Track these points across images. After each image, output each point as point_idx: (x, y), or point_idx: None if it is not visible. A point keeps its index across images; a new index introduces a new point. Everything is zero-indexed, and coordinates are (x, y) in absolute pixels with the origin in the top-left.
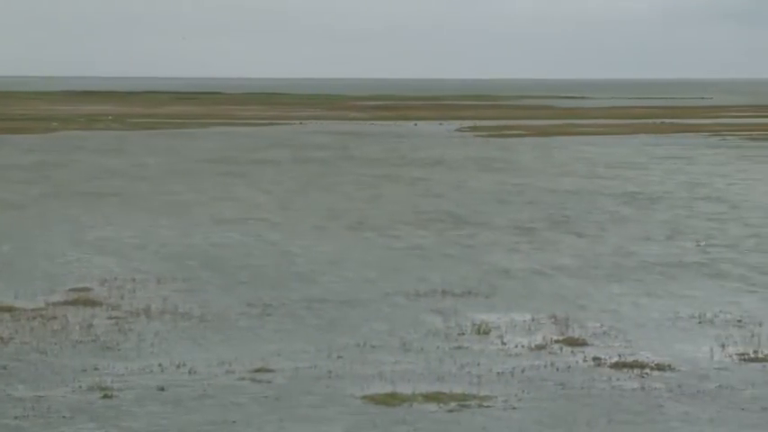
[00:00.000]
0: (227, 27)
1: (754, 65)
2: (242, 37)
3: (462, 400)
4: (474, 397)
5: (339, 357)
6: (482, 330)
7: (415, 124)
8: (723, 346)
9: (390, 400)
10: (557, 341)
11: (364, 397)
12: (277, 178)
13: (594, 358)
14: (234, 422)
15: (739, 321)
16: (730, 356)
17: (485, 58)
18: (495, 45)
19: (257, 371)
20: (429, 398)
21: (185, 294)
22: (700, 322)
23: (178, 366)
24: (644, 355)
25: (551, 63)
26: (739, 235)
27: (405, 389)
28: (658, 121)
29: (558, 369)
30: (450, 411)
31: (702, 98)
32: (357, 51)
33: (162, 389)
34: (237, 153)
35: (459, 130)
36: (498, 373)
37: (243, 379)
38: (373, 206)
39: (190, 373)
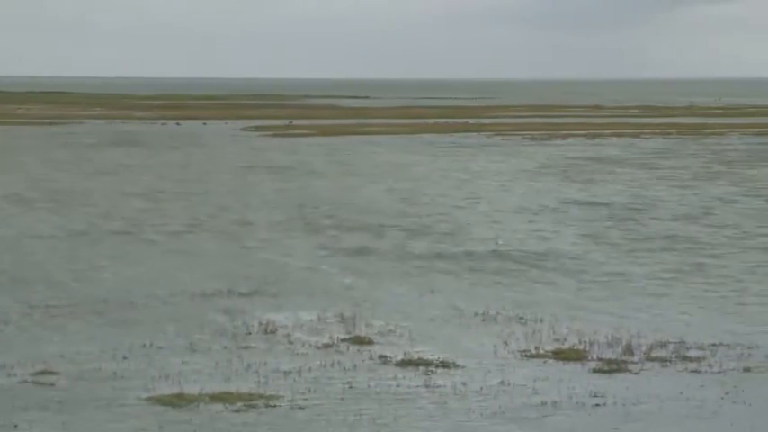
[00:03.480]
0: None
1: (541, 66)
2: (18, 34)
3: (249, 399)
4: (261, 396)
5: (124, 358)
6: (269, 330)
7: (205, 123)
8: (506, 342)
9: (177, 400)
10: (343, 340)
11: (150, 398)
12: (52, 176)
13: (380, 356)
14: (16, 426)
15: (521, 318)
16: (512, 353)
17: (267, 57)
18: (280, 44)
19: (40, 373)
20: (216, 398)
21: None
22: (483, 320)
23: None
24: (429, 353)
25: (334, 63)
26: (499, 230)
27: (191, 389)
28: (442, 120)
29: (344, 368)
30: (237, 411)
31: (487, 98)
32: (140, 51)
33: None
34: (14, 150)
35: (244, 129)
36: (285, 372)
37: (25, 382)
38: (149, 203)
39: None
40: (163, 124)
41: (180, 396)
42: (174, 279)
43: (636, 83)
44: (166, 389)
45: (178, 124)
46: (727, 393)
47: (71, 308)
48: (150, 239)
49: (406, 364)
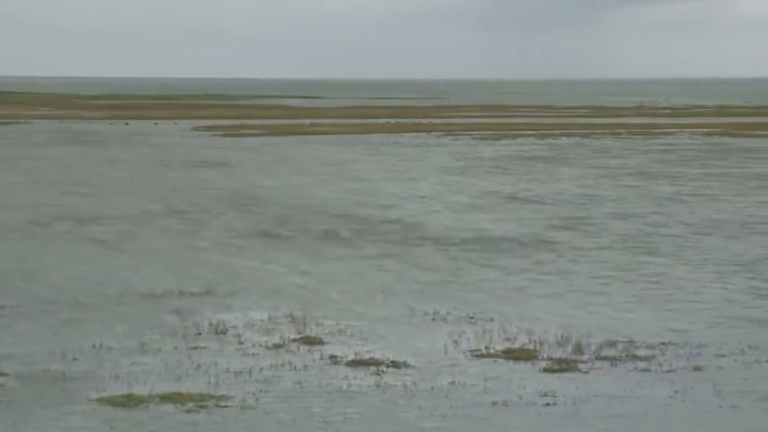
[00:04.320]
0: None
1: (490, 67)
2: None
3: (200, 400)
4: (211, 397)
5: (74, 359)
6: (219, 330)
7: (156, 123)
8: (456, 342)
9: (127, 401)
10: (294, 340)
11: (100, 399)
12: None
13: (331, 356)
14: None
15: (471, 318)
16: (463, 352)
17: (220, 57)
18: (234, 45)
19: None
20: (166, 398)
21: None
22: (434, 319)
23: None
24: (380, 353)
25: (284, 63)
26: (459, 236)
27: (141, 390)
28: (393, 120)
29: (295, 368)
30: (188, 412)
31: (437, 98)
32: (88, 51)
33: None
34: None
35: (195, 129)
36: (236, 372)
37: None
38: (97, 202)
39: None
40: (111, 124)
41: (130, 397)
42: (123, 279)
43: (581, 83)
44: (116, 389)
45: (126, 124)
46: (676, 392)
47: (19, 308)
48: (98, 238)
49: (356, 364)
